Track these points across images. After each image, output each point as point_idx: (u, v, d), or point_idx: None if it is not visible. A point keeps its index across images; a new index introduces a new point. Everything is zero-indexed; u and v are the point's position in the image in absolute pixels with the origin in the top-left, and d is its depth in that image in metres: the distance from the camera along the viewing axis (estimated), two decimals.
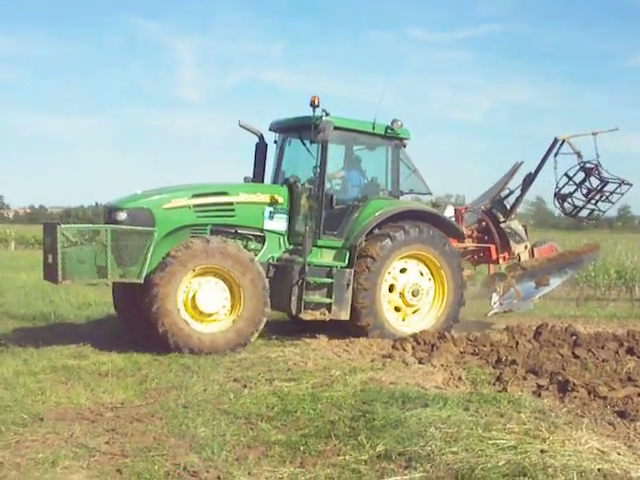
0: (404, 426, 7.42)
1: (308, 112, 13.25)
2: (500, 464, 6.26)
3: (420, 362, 11.19)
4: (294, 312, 13.19)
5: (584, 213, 16.96)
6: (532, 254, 16.54)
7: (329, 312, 13.20)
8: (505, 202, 16.61)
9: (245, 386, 9.76)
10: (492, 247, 16.23)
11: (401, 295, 13.83)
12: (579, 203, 16.73)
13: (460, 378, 10.05)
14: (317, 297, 13.21)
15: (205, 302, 12.35)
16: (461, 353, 11.77)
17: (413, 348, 12.17)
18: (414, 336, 12.75)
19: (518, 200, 16.55)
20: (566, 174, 16.31)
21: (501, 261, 16.41)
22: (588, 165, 16.06)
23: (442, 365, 10.92)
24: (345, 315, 13.29)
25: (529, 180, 16.30)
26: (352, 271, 13.30)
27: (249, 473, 6.40)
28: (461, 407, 8.23)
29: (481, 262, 17.02)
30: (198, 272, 12.35)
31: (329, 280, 13.18)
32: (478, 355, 11.62)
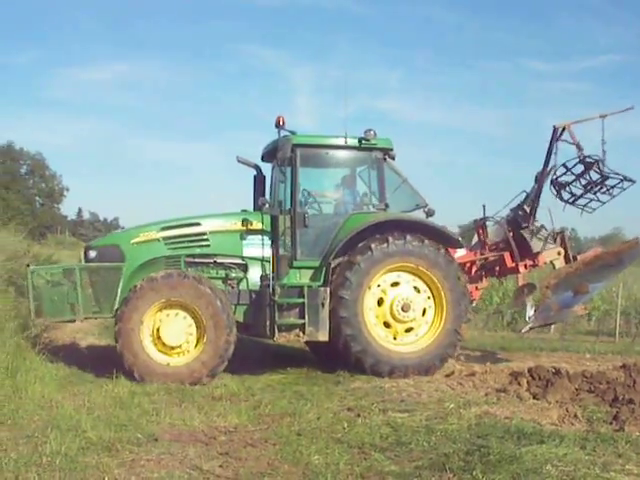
0: (520, 462, 7.26)
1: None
2: None
3: (535, 397, 10.98)
4: (268, 335, 12.97)
5: (582, 202, 15.83)
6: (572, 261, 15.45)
7: (303, 333, 12.89)
8: (525, 206, 15.51)
9: (359, 415, 9.72)
10: (506, 255, 15.27)
11: (390, 310, 13.20)
12: (577, 192, 15.71)
13: (576, 415, 9.79)
14: (289, 319, 12.93)
15: (169, 335, 12.38)
16: (576, 390, 11.50)
17: (528, 383, 11.95)
18: (529, 371, 12.55)
19: (535, 201, 15.41)
20: (564, 165, 15.30)
21: (522, 269, 15.37)
22: (588, 160, 14.95)
23: (557, 401, 10.68)
24: (323, 336, 12.91)
25: (541, 177, 15.29)
26: (326, 289, 12.90)
27: None
28: (577, 445, 8.00)
29: (504, 274, 16.03)
30: (163, 305, 12.41)
31: (300, 300, 12.86)
32: (594, 393, 11.31)
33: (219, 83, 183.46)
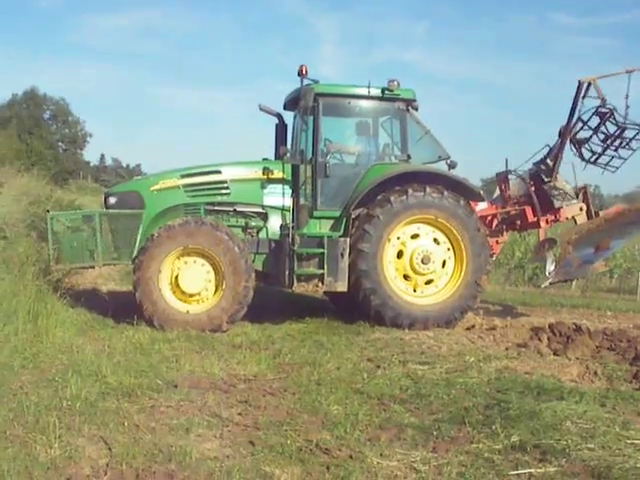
0: (539, 418, 7.24)
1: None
2: (639, 465, 6.09)
3: (555, 354, 10.97)
4: (287, 285, 12.95)
5: (603, 160, 15.48)
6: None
7: (322, 284, 12.87)
8: (548, 160, 15.26)
9: (378, 366, 9.74)
10: (528, 209, 15.03)
11: (410, 262, 13.19)
12: (597, 149, 15.38)
13: (596, 373, 9.76)
14: (308, 269, 12.91)
15: (187, 283, 12.45)
16: (597, 347, 11.46)
17: (548, 339, 11.94)
18: (550, 327, 12.54)
19: (558, 155, 15.13)
20: (580, 118, 14.94)
21: (543, 224, 15.17)
22: (602, 110, 14.70)
23: (577, 358, 10.65)
24: (342, 286, 12.90)
25: (564, 132, 14.99)
26: (346, 240, 12.90)
27: (381, 454, 6.34)
28: (597, 403, 7.98)
29: (525, 228, 15.83)
30: (181, 253, 12.46)
31: (320, 250, 12.84)
32: (615, 350, 11.26)
33: (243, 32, 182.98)
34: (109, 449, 6.24)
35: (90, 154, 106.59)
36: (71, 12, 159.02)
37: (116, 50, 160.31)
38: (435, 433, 6.97)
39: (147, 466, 5.88)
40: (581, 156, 15.46)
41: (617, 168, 15.41)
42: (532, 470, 6.02)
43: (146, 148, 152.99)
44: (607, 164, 15.41)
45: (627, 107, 14.50)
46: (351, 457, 6.29)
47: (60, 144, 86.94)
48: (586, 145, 15.37)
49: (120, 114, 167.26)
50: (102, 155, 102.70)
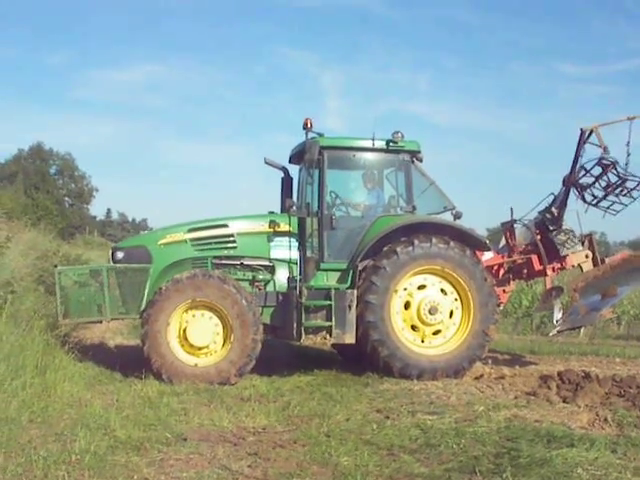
0: (550, 465, 7.21)
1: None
2: None
3: (565, 401, 10.91)
4: (295, 338, 12.90)
5: (605, 204, 15.38)
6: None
7: (330, 336, 12.82)
8: (553, 209, 15.25)
9: (387, 417, 9.71)
10: (534, 258, 15.02)
11: (417, 313, 13.10)
12: (599, 194, 15.30)
13: (606, 419, 9.68)
14: (316, 321, 12.86)
15: (195, 336, 12.40)
16: (607, 394, 11.41)
17: (557, 387, 11.90)
18: (559, 374, 12.50)
19: (562, 203, 15.18)
20: (583, 167, 14.97)
21: (550, 272, 15.14)
22: (604, 162, 14.68)
23: (587, 405, 10.58)
24: (350, 338, 12.84)
25: (568, 180, 15.01)
26: (354, 291, 12.84)
27: None
28: (608, 449, 7.91)
29: (531, 277, 15.80)
30: (189, 306, 12.44)
31: (327, 302, 12.76)
32: (624, 397, 11.22)
33: (249, 85, 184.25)
34: None
35: (96, 209, 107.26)
36: (76, 68, 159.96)
37: (122, 105, 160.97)
38: None
39: None
40: (583, 199, 15.41)
41: (618, 212, 15.43)
42: None
43: (152, 202, 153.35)
44: (608, 208, 15.42)
45: (628, 154, 14.57)
46: None
47: (66, 199, 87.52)
48: (588, 190, 15.37)
49: (126, 168, 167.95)
50: (108, 210, 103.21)
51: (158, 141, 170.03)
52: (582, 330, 23.60)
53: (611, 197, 15.27)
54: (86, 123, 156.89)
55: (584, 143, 14.74)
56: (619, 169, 14.70)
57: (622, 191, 15.11)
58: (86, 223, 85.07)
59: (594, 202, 15.41)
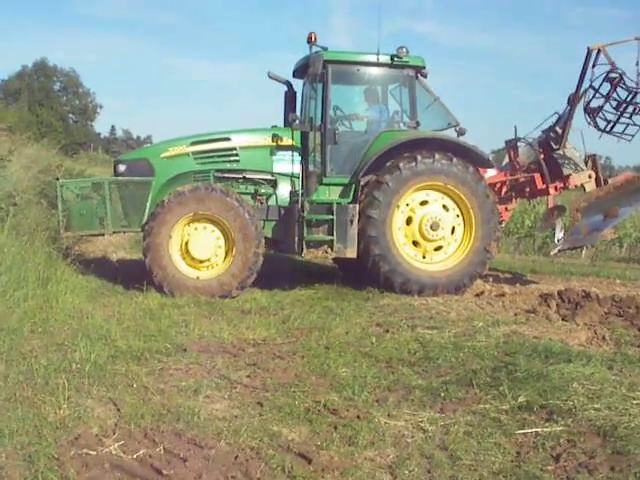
0: (546, 379, 7.26)
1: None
2: None
3: (564, 319, 10.97)
4: (296, 252, 13.00)
5: (619, 128, 15.22)
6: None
7: (331, 250, 12.90)
8: (557, 128, 15.07)
9: (387, 331, 9.78)
10: (537, 176, 14.91)
11: (419, 228, 13.14)
12: (611, 117, 15.16)
13: (604, 338, 9.75)
14: (318, 235, 12.93)
15: (197, 249, 12.48)
16: (606, 313, 11.46)
17: (557, 305, 11.95)
18: (559, 293, 12.54)
19: (567, 123, 14.96)
20: (591, 86, 14.79)
21: (552, 191, 15.06)
22: (611, 75, 14.56)
23: (586, 324, 10.65)
24: (351, 253, 12.91)
25: (574, 99, 14.86)
26: (355, 206, 12.88)
27: (389, 414, 6.38)
28: (605, 365, 7.97)
29: (534, 195, 15.74)
30: (191, 219, 12.48)
31: (329, 217, 12.85)
32: (623, 317, 11.26)
33: (255, 2, 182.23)
34: (118, 410, 6.27)
35: (101, 126, 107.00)
36: None
37: (128, 21, 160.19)
38: (443, 394, 7.00)
39: (155, 426, 5.92)
40: (596, 126, 15.27)
41: (632, 136, 15.20)
42: (539, 429, 6.06)
43: (157, 119, 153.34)
44: (622, 132, 15.23)
45: (638, 74, 14.36)
46: (359, 417, 6.32)
47: (71, 116, 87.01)
48: (600, 114, 15.20)
49: (131, 86, 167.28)
50: (113, 127, 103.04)
51: (163, 58, 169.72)
52: (584, 251, 23.71)
53: (624, 119, 15.09)
54: (90, 40, 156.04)
55: (593, 65, 14.53)
56: (627, 81, 14.55)
57: (634, 109, 14.94)
58: (90, 140, 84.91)
59: (608, 128, 15.27)
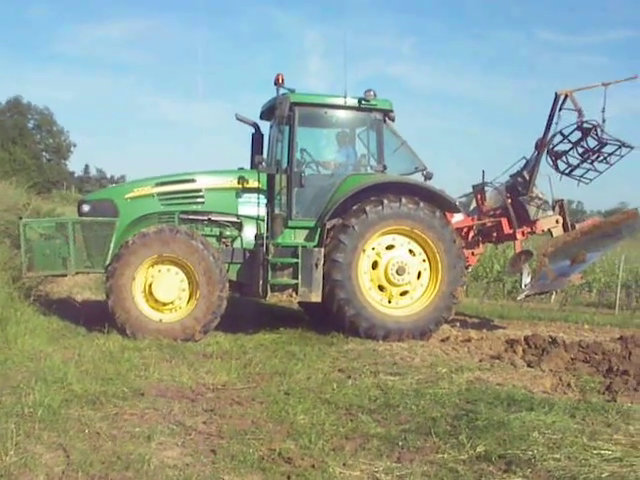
0: (507, 428, 7.18)
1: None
2: (603, 475, 5.98)
3: (529, 365, 10.93)
4: (261, 295, 12.88)
5: (578, 172, 15.52)
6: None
7: (296, 294, 12.89)
8: (524, 173, 15.17)
9: (349, 377, 9.68)
10: (504, 221, 14.86)
11: (385, 273, 13.07)
12: (574, 162, 15.39)
13: (569, 384, 9.73)
14: (283, 278, 12.85)
15: (161, 291, 12.34)
16: (572, 359, 11.43)
17: (523, 351, 11.92)
18: (525, 339, 12.50)
19: (534, 168, 15.07)
20: (561, 132, 14.97)
21: (519, 236, 15.01)
22: (586, 125, 14.65)
23: (551, 370, 10.62)
24: (316, 297, 12.78)
25: (541, 144, 14.94)
26: (321, 250, 12.79)
27: (344, 464, 6.27)
28: (567, 414, 7.91)
29: (501, 240, 15.77)
30: (155, 261, 12.36)
31: (294, 260, 12.73)
32: (589, 363, 11.25)
33: (231, 44, 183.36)
34: (67, 456, 6.14)
35: (74, 164, 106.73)
36: (57, 22, 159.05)
37: (102, 60, 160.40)
38: (401, 443, 6.89)
39: (104, 474, 5.80)
40: (556, 168, 15.50)
41: (591, 180, 15.48)
42: None
43: (131, 159, 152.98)
44: (582, 176, 15.47)
45: (603, 121, 14.52)
46: (313, 466, 6.20)
47: (44, 154, 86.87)
48: (563, 158, 15.36)
49: (105, 124, 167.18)
50: (86, 165, 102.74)
51: (137, 97, 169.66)
52: (553, 296, 23.78)
53: (585, 165, 15.27)
54: (65, 78, 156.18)
55: (559, 109, 14.65)
56: (600, 132, 14.64)
57: (598, 157, 15.10)
58: (63, 178, 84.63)
59: (567, 171, 15.45)
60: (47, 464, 5.93)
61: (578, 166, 15.40)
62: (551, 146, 15.16)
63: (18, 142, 78.15)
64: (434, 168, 13.87)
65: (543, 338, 12.57)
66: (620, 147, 14.84)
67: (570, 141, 15.15)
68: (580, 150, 15.20)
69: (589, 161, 15.25)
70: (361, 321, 12.68)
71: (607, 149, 14.99)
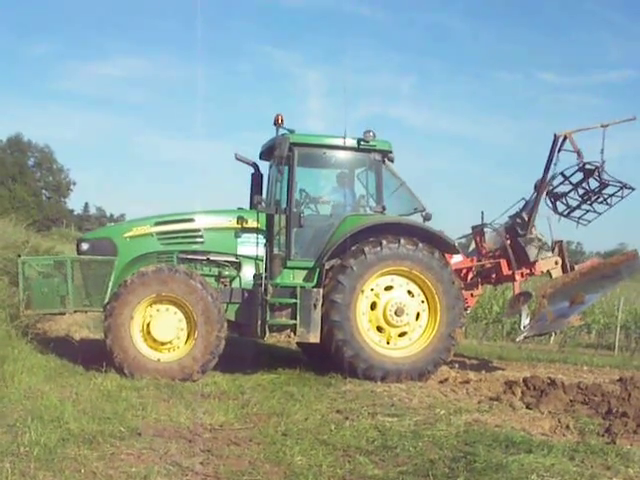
0: (505, 471, 7.16)
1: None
2: None
3: (528, 407, 10.90)
4: (259, 335, 12.85)
5: (577, 213, 15.61)
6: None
7: (294, 334, 12.79)
8: (523, 214, 15.22)
9: (347, 418, 9.65)
10: (503, 262, 14.96)
11: (383, 314, 13.02)
12: (573, 203, 15.49)
13: (568, 427, 9.69)
14: (281, 319, 12.80)
15: (159, 330, 12.30)
16: (571, 401, 11.39)
17: (522, 392, 11.86)
18: (524, 381, 12.46)
19: (534, 209, 15.11)
20: (562, 173, 15.06)
21: (518, 277, 15.04)
22: (588, 167, 14.71)
23: (550, 412, 10.58)
24: (314, 338, 12.77)
25: (540, 185, 14.99)
26: (319, 290, 12.79)
27: None
28: (566, 456, 7.89)
29: (500, 281, 15.81)
30: (154, 300, 12.34)
31: (293, 300, 12.71)
32: (588, 405, 11.21)
33: (232, 83, 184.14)
34: None
35: (74, 202, 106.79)
36: (58, 60, 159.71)
37: (103, 98, 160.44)
38: None
39: None
40: (555, 209, 15.55)
41: (590, 222, 15.54)
42: None
43: (131, 197, 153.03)
44: (580, 218, 15.51)
45: (603, 162, 14.57)
46: None
47: (44, 191, 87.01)
48: (562, 199, 15.38)
49: (105, 163, 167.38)
50: (86, 204, 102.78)
51: (138, 136, 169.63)
52: (552, 338, 23.73)
53: (584, 206, 15.29)
54: (66, 116, 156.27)
55: (558, 150, 14.71)
56: (602, 174, 14.69)
57: (598, 198, 15.14)
58: (63, 216, 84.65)
59: (566, 212, 15.47)
60: None
61: (577, 207, 15.44)
62: (551, 187, 15.19)
63: (18, 179, 78.35)
64: (433, 209, 13.92)
65: (542, 380, 12.52)
66: (622, 188, 14.89)
67: (571, 182, 15.20)
68: (581, 191, 15.25)
69: (588, 202, 15.28)
70: (359, 362, 12.63)
71: (608, 190, 15.03)
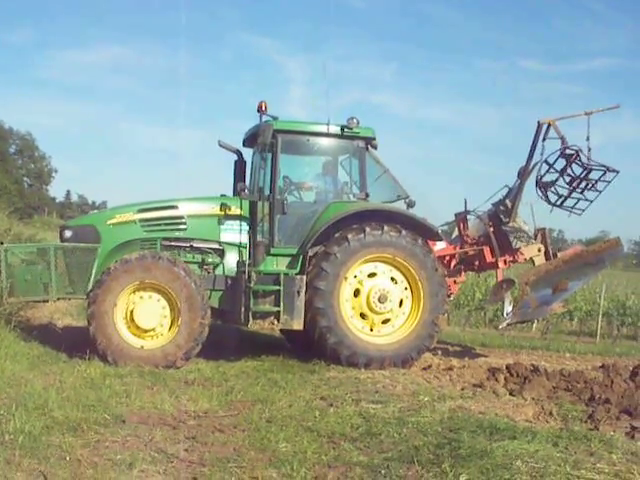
0: (490, 457, 7.16)
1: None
2: None
3: (511, 394, 10.91)
4: (242, 322, 12.82)
5: (570, 203, 15.46)
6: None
7: (278, 321, 12.73)
8: (507, 201, 15.21)
9: (331, 405, 9.65)
10: (486, 250, 15.03)
11: (367, 301, 13.04)
12: (563, 192, 15.39)
13: (551, 413, 9.71)
14: (264, 306, 12.76)
15: (142, 318, 12.29)
16: (554, 388, 11.43)
17: (505, 379, 11.89)
18: (507, 367, 12.49)
19: (517, 196, 15.10)
20: (546, 161, 14.99)
21: (501, 264, 15.11)
22: (568, 151, 14.74)
23: (533, 399, 10.61)
24: (298, 324, 12.76)
25: (524, 173, 15.01)
26: (303, 277, 12.79)
27: None
28: (550, 442, 7.88)
29: (483, 268, 15.86)
30: (137, 287, 12.33)
31: (276, 287, 12.66)
32: (571, 391, 11.23)
33: (215, 71, 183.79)
34: None
35: (56, 190, 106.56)
36: (39, 47, 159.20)
37: (84, 86, 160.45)
38: (383, 472, 6.88)
39: None
40: (547, 200, 15.44)
41: (583, 211, 15.45)
42: None
43: (113, 185, 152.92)
44: (573, 207, 15.42)
45: (589, 149, 14.57)
46: None
47: (25, 179, 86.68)
48: (552, 188, 15.36)
49: (87, 150, 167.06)
50: (68, 191, 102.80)
51: (120, 123, 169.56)
52: (534, 324, 23.80)
53: (575, 194, 15.27)
54: (48, 104, 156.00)
55: (543, 139, 14.72)
56: (583, 158, 14.68)
57: (587, 185, 15.10)
58: (45, 204, 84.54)
59: (559, 202, 15.41)
60: None
61: (568, 196, 15.37)
62: (539, 177, 15.16)
63: None
64: (416, 196, 13.90)
65: (525, 367, 12.54)
66: (605, 172, 14.85)
67: (556, 170, 15.16)
68: (567, 179, 15.21)
69: (578, 190, 15.24)
70: (343, 349, 12.64)
71: (593, 175, 14.97)
